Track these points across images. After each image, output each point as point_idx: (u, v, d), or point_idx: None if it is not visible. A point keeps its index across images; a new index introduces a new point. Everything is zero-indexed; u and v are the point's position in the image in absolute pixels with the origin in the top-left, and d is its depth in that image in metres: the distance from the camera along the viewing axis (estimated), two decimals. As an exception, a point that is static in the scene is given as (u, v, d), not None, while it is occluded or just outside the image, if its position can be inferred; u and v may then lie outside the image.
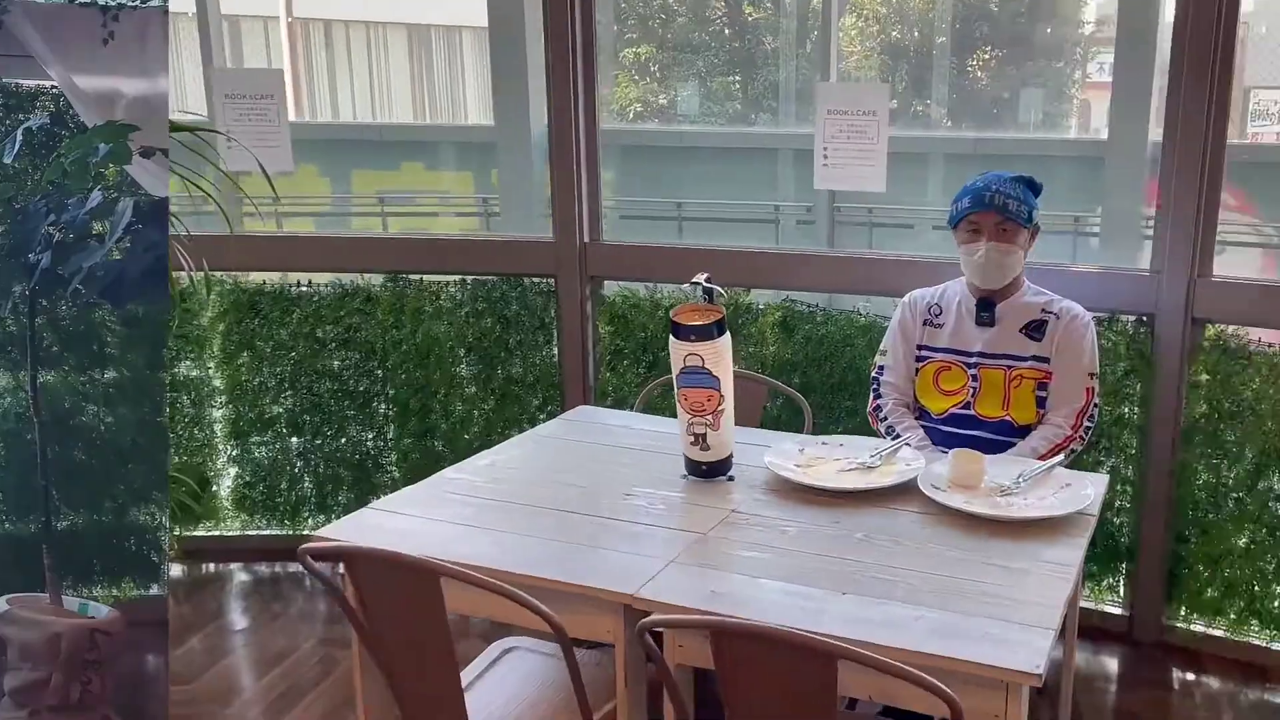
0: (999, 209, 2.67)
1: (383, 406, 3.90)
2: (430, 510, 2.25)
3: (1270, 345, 2.95)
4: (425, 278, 3.82)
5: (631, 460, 2.54)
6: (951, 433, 2.77)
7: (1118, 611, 3.31)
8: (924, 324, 2.86)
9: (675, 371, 2.31)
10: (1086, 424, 2.70)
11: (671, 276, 3.60)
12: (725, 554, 2.04)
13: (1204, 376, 3.03)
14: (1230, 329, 3.01)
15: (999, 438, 2.73)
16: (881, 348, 2.95)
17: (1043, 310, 2.75)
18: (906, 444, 2.55)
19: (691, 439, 2.34)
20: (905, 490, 2.26)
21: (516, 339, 3.78)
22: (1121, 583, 3.30)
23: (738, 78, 10.05)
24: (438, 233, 3.96)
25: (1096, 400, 2.72)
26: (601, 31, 3.62)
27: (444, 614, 1.80)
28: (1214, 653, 3.15)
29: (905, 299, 2.93)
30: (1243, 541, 3.03)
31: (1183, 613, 3.20)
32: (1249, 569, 3.03)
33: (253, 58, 13.51)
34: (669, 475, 2.41)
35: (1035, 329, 2.73)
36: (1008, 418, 2.74)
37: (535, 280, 3.75)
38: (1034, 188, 2.77)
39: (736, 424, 2.69)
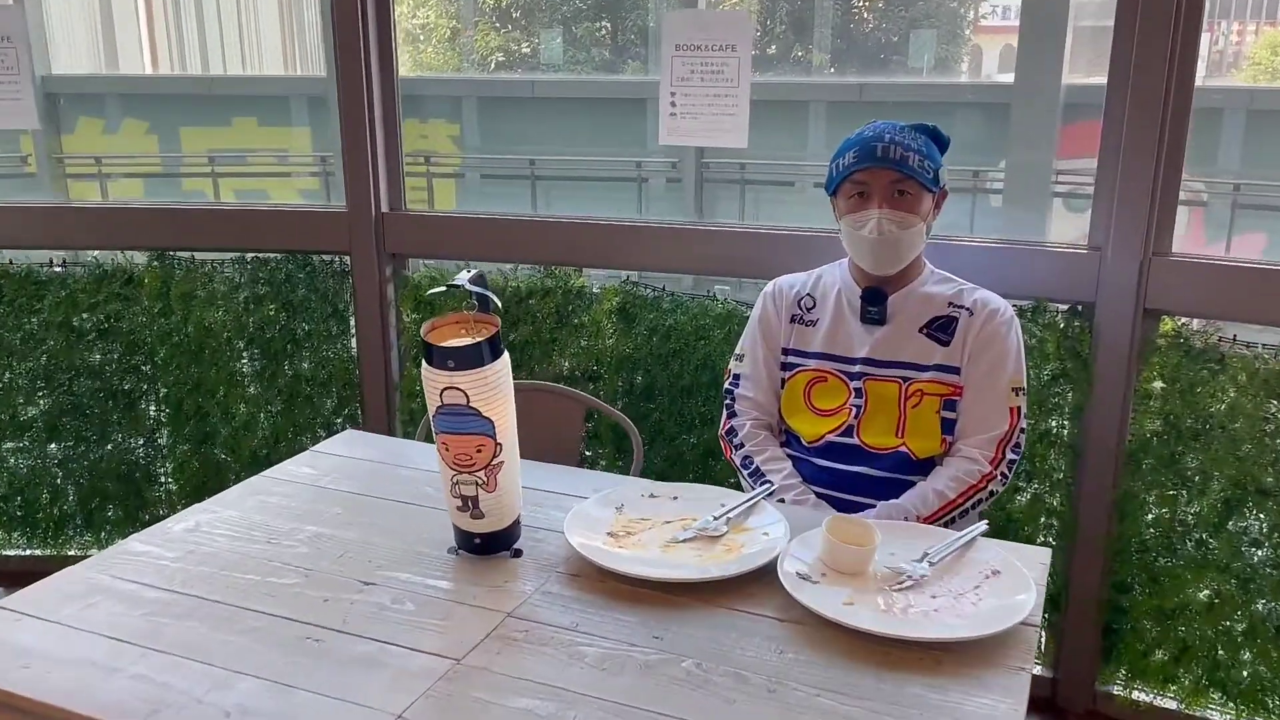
0: (895, 164, 1.97)
1: (153, 408, 3.24)
2: (84, 612, 1.48)
3: (1251, 345, 2.30)
4: (197, 255, 3.14)
5: (390, 521, 1.77)
6: (828, 468, 2.08)
7: (1038, 671, 2.67)
8: (792, 320, 2.18)
9: (431, 410, 1.55)
10: (1010, 457, 2.03)
11: (487, 254, 2.95)
12: (483, 705, 1.29)
13: (1158, 384, 2.37)
14: (1195, 323, 2.35)
15: (892, 475, 2.06)
16: (737, 350, 2.25)
17: (950, 304, 2.08)
18: (767, 492, 1.83)
19: (459, 503, 1.59)
20: (761, 579, 1.55)
21: (305, 329, 3.09)
22: (1044, 636, 2.66)
23: (605, 23, 9.13)
24: (208, 202, 3.17)
25: (1023, 425, 2.05)
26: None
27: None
28: (1161, 728, 2.54)
29: (768, 288, 2.24)
30: (1204, 594, 2.40)
31: (1121, 677, 2.57)
32: (1211, 628, 2.40)
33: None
34: (434, 548, 1.67)
35: (941, 328, 2.06)
36: (903, 448, 2.05)
37: (326, 259, 3.07)
38: (939, 141, 2.08)
39: (548, 459, 2.00)
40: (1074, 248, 2.44)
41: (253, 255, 3.06)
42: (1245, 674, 2.40)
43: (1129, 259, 2.33)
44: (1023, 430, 2.05)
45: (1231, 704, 2.44)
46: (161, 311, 3.09)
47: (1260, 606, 2.35)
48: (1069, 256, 2.43)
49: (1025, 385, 2.08)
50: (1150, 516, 2.44)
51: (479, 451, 1.53)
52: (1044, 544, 2.56)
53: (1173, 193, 2.29)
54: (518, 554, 1.64)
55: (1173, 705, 2.50)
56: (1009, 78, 7.66)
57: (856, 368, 2.08)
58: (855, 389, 2.08)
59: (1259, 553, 2.34)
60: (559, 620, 1.45)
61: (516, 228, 2.92)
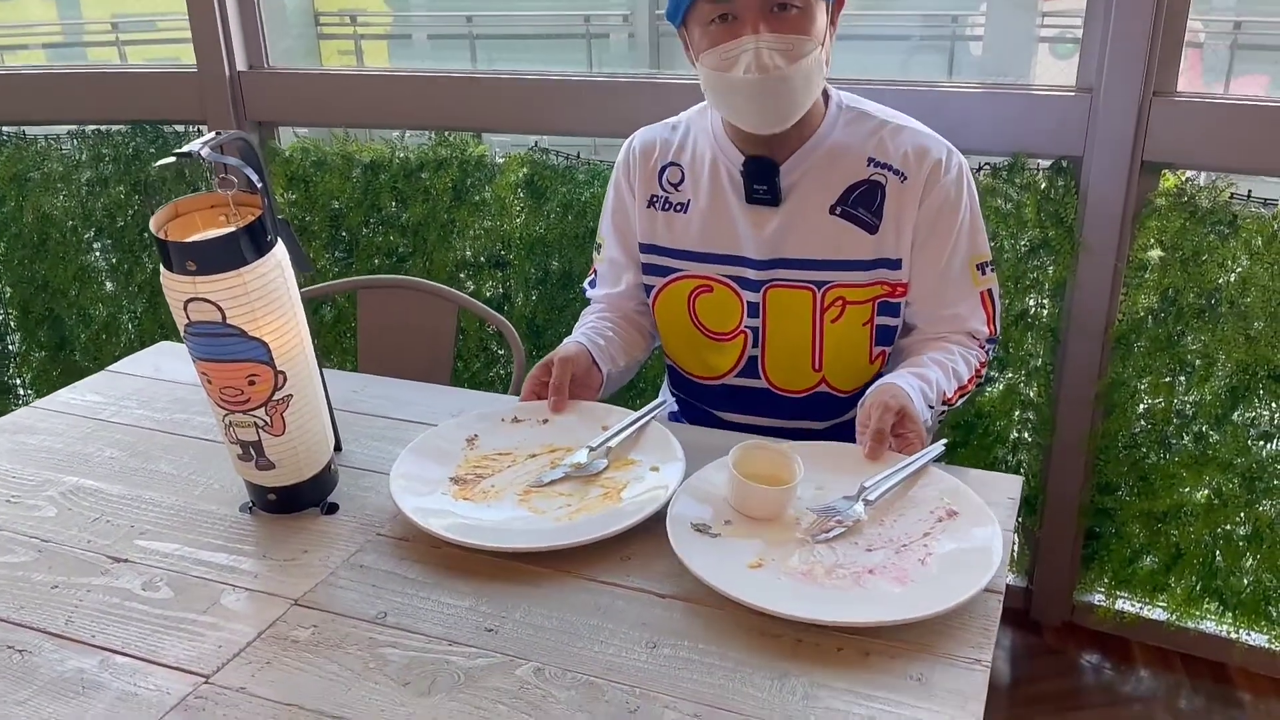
0: None
1: (-1, 311, 2.86)
2: None
3: (1270, 203, 1.89)
4: (27, 130, 2.69)
5: (180, 468, 1.38)
6: (735, 424, 1.64)
7: (1010, 580, 2.35)
8: (650, 203, 1.58)
9: (180, 325, 1.14)
10: (990, 352, 1.58)
11: (369, 119, 2.51)
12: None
13: (1155, 253, 1.98)
14: (1202, 178, 1.95)
15: (809, 424, 1.60)
16: (598, 236, 1.71)
17: (871, 161, 1.48)
18: (659, 406, 1.42)
19: (239, 450, 1.20)
20: (646, 531, 1.17)
21: (163, 213, 2.61)
22: (1018, 541, 2.33)
23: None
24: (29, 66, 2.68)
25: (999, 307, 1.57)
26: None
27: None
28: (1146, 641, 2.24)
29: (623, 149, 1.64)
30: (1202, 495, 2.06)
31: (1103, 585, 2.25)
32: (1209, 532, 2.06)
33: None
34: (225, 504, 1.29)
35: (861, 202, 1.47)
36: (823, 386, 1.56)
37: (177, 129, 2.61)
38: None
39: (417, 371, 1.63)
40: (1059, 89, 2.01)
41: (93, 128, 2.61)
42: (1247, 581, 2.08)
43: (1125, 101, 1.90)
44: (1000, 315, 1.62)
45: (1230, 614, 2.13)
46: (-6, 198, 2.66)
47: (1267, 507, 2.01)
48: (1052, 101, 2.00)
49: (990, 255, 1.55)
50: (1141, 408, 2.08)
51: (252, 384, 1.13)
52: (1017, 440, 2.22)
53: (1180, 19, 1.86)
54: (331, 510, 1.26)
55: (1160, 616, 2.19)
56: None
57: (751, 272, 1.52)
58: (750, 304, 1.53)
59: (1268, 446, 1.99)
60: (363, 609, 1.08)
61: (401, 85, 2.46)
